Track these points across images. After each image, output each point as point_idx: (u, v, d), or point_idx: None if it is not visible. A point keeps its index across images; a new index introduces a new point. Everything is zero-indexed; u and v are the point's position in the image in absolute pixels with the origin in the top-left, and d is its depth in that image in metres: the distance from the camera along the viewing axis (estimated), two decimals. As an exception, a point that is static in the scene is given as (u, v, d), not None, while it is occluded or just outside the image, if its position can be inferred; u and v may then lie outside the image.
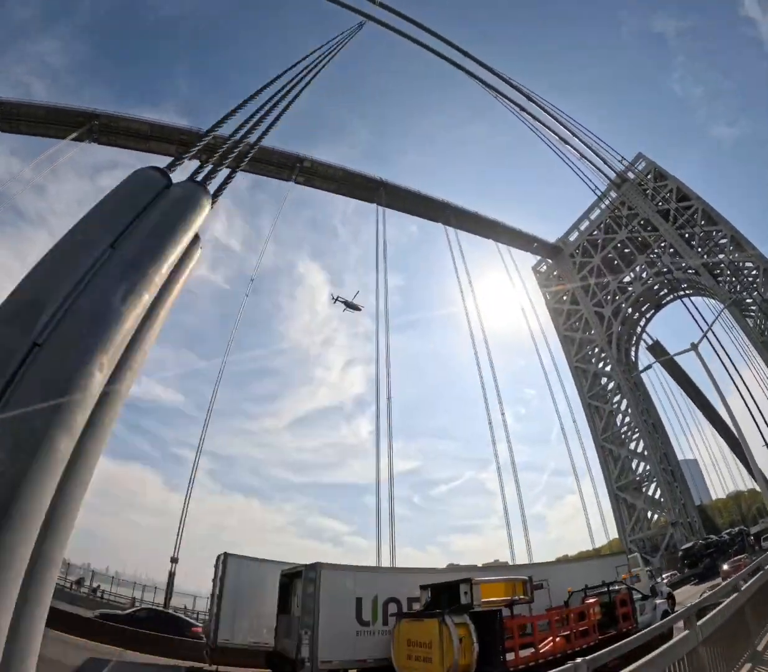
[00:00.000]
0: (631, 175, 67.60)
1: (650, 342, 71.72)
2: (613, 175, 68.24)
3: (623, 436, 61.32)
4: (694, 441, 76.20)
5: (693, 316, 33.43)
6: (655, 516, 56.04)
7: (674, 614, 7.77)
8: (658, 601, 17.05)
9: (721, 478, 69.53)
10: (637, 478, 58.62)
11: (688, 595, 26.23)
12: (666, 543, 52.09)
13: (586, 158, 64.15)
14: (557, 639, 12.14)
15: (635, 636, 6.08)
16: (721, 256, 57.13)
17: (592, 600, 14.80)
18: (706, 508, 62.70)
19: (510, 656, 10.71)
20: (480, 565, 37.83)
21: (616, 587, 15.86)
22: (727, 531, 45.90)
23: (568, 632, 12.34)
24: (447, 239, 62.30)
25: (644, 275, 63.86)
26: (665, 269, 61.37)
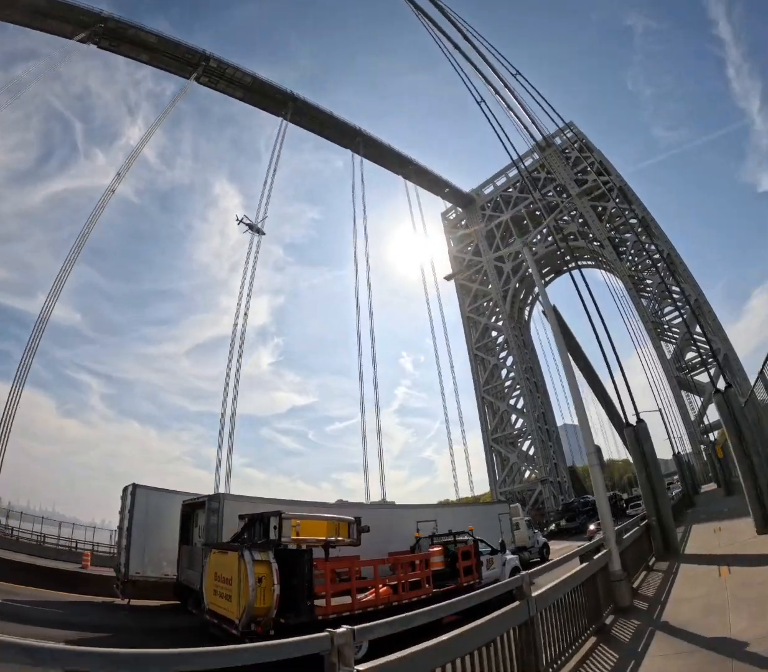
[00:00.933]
0: (557, 141, 67.72)
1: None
2: (539, 138, 68.23)
3: (505, 390, 62.79)
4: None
5: (586, 282, 32.40)
6: (528, 472, 58.39)
7: (534, 569, 6.69)
8: (508, 557, 16.32)
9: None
10: (515, 433, 60.48)
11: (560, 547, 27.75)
12: (534, 499, 54.55)
13: (517, 116, 63.13)
14: (382, 589, 11.22)
15: (470, 595, 5.21)
16: (627, 235, 60.08)
17: (435, 548, 14.19)
18: (577, 471, 65.44)
19: (322, 603, 9.65)
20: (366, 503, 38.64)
21: (464, 537, 15.04)
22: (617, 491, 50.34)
23: (397, 582, 11.34)
24: (352, 168, 56.96)
25: (550, 238, 64.70)
26: (572, 236, 62.88)
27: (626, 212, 60.78)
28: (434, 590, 11.75)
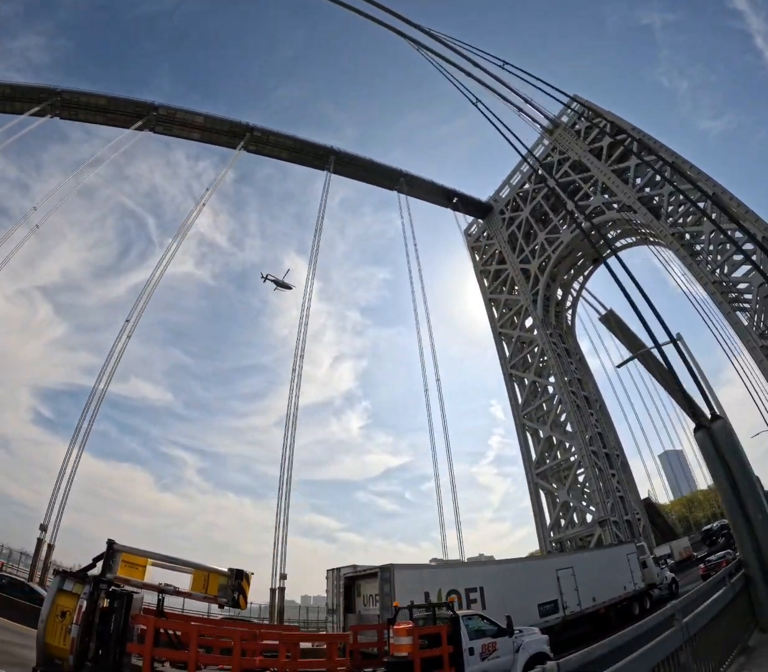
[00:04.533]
0: (564, 119, 58.83)
1: (601, 310, 61.33)
2: (546, 123, 59.89)
3: (546, 411, 49.25)
4: (682, 430, 66.03)
5: (624, 267, 21.31)
6: (585, 512, 43.26)
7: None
8: (525, 639, 11.56)
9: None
10: (563, 464, 46.13)
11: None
12: (593, 545, 39.34)
13: (523, 111, 56.41)
14: None
15: None
16: (660, 190, 46.91)
17: (401, 626, 10.43)
18: (657, 505, 51.42)
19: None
20: (465, 560, 36.20)
21: (444, 612, 11.29)
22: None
23: (278, 669, 8.65)
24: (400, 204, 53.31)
25: (575, 221, 53.22)
26: (597, 210, 51.05)
27: (653, 164, 48.03)
28: None
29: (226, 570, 10.01)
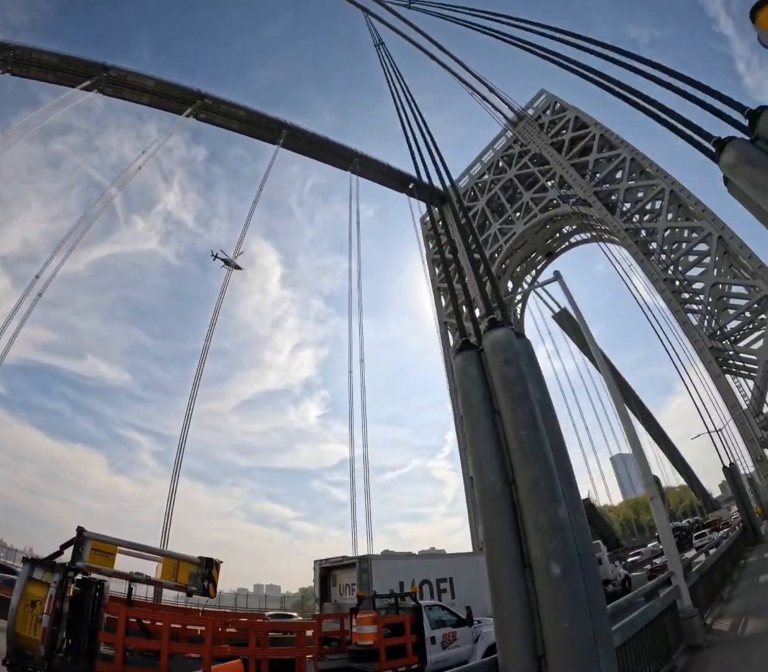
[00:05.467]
0: (530, 111, 57.88)
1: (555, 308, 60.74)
2: (511, 115, 58.87)
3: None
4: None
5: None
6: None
7: None
8: (484, 629, 11.74)
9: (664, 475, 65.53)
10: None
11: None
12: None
13: (487, 100, 55.02)
14: (222, 665, 7.62)
15: None
16: (617, 186, 46.21)
17: (365, 614, 10.80)
18: (595, 506, 54.64)
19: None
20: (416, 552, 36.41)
21: (412, 603, 11.59)
22: (686, 520, 53.18)
23: (249, 657, 8.37)
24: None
25: (530, 214, 52.10)
26: (553, 203, 50.06)
27: (611, 159, 47.50)
28: None
29: (196, 558, 9.95)
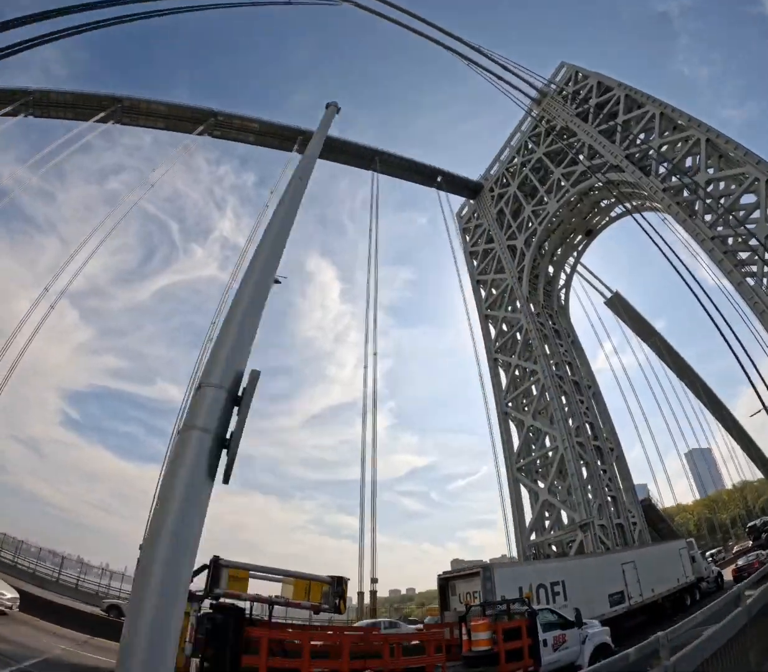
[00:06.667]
0: (552, 87, 54.20)
1: (608, 292, 56.01)
2: (535, 94, 55.55)
3: (531, 399, 43.61)
4: (710, 428, 61.58)
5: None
6: (570, 512, 37.31)
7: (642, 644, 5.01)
8: (590, 631, 12.40)
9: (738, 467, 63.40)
10: (546, 458, 40.30)
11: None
12: (574, 552, 33.53)
13: (508, 83, 52.46)
14: None
15: None
16: (649, 143, 41.40)
17: (479, 621, 11.07)
18: (658, 509, 46.17)
19: None
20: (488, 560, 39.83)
21: (521, 608, 12.05)
22: None
23: (383, 668, 8.87)
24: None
25: (562, 190, 48.11)
26: (584, 177, 45.85)
27: (642, 119, 42.69)
28: None
29: (326, 577, 10.17)
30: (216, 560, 8.50)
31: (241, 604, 9.01)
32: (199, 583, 8.51)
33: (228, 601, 8.63)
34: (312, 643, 8.84)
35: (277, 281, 28.48)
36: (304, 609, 10.12)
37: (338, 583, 10.13)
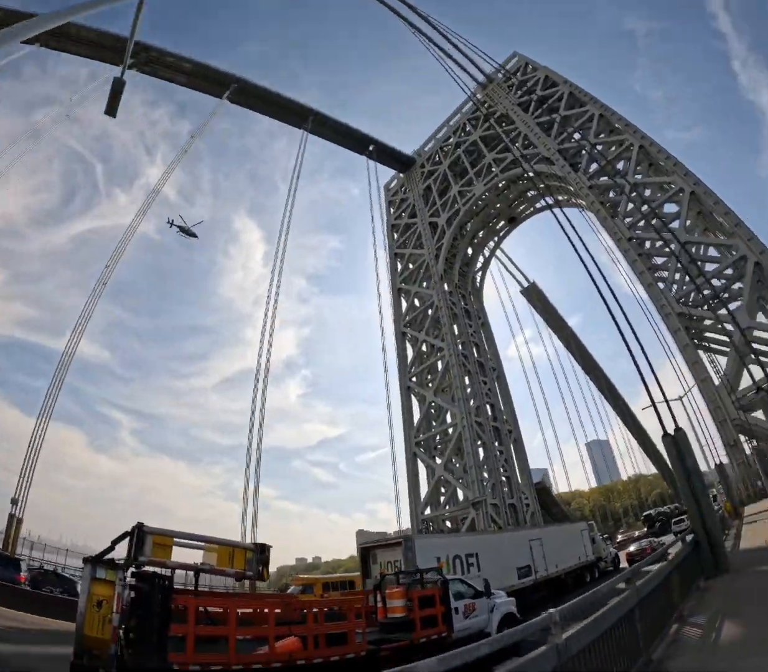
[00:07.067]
0: (500, 76, 54.09)
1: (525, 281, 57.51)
2: (482, 78, 55.25)
3: (432, 375, 43.66)
4: (610, 423, 67.31)
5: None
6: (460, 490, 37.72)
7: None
8: (497, 601, 13.43)
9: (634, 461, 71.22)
10: (444, 434, 40.42)
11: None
12: (466, 529, 33.82)
13: (459, 64, 50.91)
14: (286, 641, 8.72)
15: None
16: (582, 142, 42.62)
17: (394, 589, 11.60)
18: (551, 492, 48.95)
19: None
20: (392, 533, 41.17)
21: (434, 577, 12.49)
22: (667, 506, 56.08)
23: (306, 633, 9.00)
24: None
25: (490, 175, 48.38)
26: (513, 165, 46.39)
27: (581, 117, 44.02)
28: (370, 647, 9.71)
29: (250, 544, 10.62)
30: (140, 527, 8.20)
31: (164, 572, 8.60)
32: (120, 551, 8.17)
33: (149, 569, 8.39)
34: (238, 610, 8.72)
35: (193, 235, 25.31)
36: (229, 576, 10.11)
37: (261, 550, 10.27)
